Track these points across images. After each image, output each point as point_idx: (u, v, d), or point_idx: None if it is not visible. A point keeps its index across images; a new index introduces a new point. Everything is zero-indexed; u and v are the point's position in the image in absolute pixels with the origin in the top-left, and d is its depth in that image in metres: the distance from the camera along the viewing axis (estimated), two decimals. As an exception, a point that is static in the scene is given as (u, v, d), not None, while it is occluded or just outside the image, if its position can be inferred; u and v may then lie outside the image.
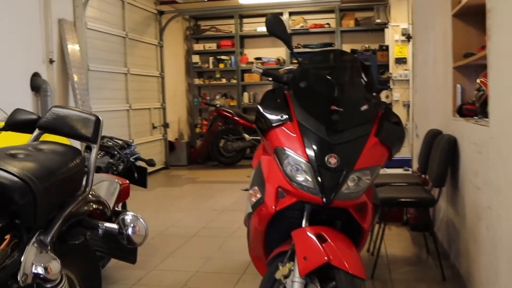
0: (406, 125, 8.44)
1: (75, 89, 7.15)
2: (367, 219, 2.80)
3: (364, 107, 2.88)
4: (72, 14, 7.51)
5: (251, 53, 12.15)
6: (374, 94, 2.99)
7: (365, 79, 3.07)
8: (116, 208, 2.18)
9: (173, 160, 11.03)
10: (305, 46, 11.73)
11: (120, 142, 4.29)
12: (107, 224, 1.78)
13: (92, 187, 1.88)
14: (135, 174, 4.35)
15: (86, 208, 1.82)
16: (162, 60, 10.68)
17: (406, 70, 9.59)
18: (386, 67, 10.14)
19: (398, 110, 9.46)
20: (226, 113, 10.61)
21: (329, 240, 2.57)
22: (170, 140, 10.97)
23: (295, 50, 11.24)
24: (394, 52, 9.70)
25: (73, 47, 7.31)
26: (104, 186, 2.08)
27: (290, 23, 11.71)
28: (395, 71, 9.58)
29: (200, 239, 5.41)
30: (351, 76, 3.19)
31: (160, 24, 10.64)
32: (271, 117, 2.87)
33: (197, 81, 12.27)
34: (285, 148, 2.74)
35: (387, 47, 10.29)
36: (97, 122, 1.87)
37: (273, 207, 2.76)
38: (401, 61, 9.67)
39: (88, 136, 1.86)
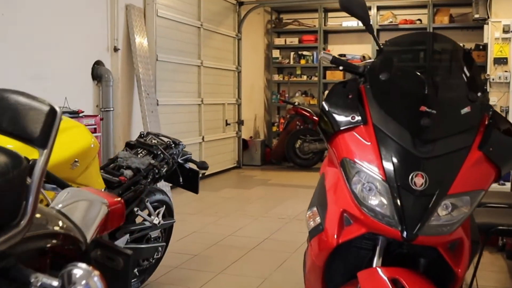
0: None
1: (140, 79, 6.69)
2: (462, 261, 2.06)
3: (466, 110, 2.15)
4: (141, 0, 7.07)
5: (335, 49, 11.39)
6: (479, 94, 2.24)
7: (468, 73, 2.34)
8: (101, 238, 1.59)
9: (246, 159, 10.47)
10: (393, 43, 10.83)
11: (166, 140, 3.71)
12: (45, 279, 1.17)
13: (62, 210, 1.29)
14: (180, 178, 3.75)
15: (35, 244, 1.22)
16: (239, 53, 10.13)
17: (506, 71, 8.59)
18: (482, 68, 9.15)
19: (496, 116, 8.46)
20: (305, 112, 9.94)
21: (407, 286, 1.88)
22: (244, 138, 10.42)
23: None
24: (494, 52, 8.70)
25: (140, 35, 6.86)
26: (81, 208, 1.51)
27: (378, 18, 10.88)
28: (493, 72, 8.58)
29: (260, 253, 4.77)
30: (450, 68, 2.46)
31: (239, 15, 10.09)
32: (340, 117, 2.19)
33: (276, 77, 11.66)
34: (355, 160, 2.05)
35: (484, 46, 9.30)
36: (51, 115, 1.23)
37: (335, 237, 2.09)
38: (500, 61, 8.67)
39: (32, 136, 1.23)
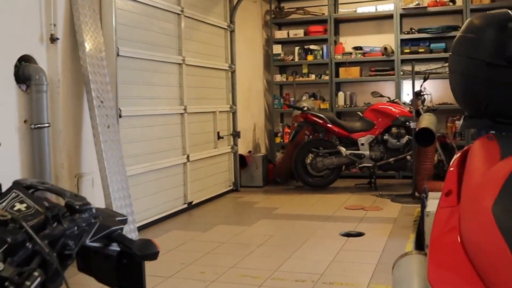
0: None
1: (90, 82, 4.69)
2: None
3: None
4: (91, -29, 5.09)
5: (348, 42, 9.41)
6: None
7: None
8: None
9: (245, 179, 8.46)
10: (420, 31, 8.89)
11: (45, 205, 1.66)
12: None
13: None
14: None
15: None
16: (232, 49, 8.13)
17: None
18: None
19: None
20: (317, 119, 7.93)
21: None
22: (241, 154, 8.40)
23: (405, 37, 8.46)
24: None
25: (91, 21, 4.87)
26: None
27: (402, 2, 8.88)
28: None
29: None
30: None
31: (230, 1, 8.10)
32: None
33: (278, 78, 9.66)
34: None
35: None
36: None
37: None
38: None
39: None
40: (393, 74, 8.99)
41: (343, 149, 7.86)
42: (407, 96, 8.71)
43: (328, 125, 7.91)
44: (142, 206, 5.73)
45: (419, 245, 5.29)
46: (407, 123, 7.65)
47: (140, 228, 5.49)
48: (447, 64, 9.09)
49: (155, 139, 6.05)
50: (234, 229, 5.74)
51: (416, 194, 7.16)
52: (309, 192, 7.89)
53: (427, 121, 6.88)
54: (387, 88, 9.09)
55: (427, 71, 8.26)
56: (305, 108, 8.03)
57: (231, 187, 8.09)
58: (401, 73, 8.96)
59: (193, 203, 6.84)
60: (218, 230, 5.75)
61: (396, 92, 8.96)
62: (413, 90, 7.31)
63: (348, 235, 5.41)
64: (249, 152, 8.80)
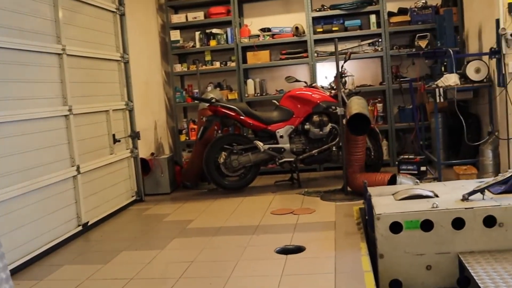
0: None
1: None
2: None
3: None
4: None
5: (255, 23, 8.44)
6: None
7: None
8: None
9: (149, 186, 7.29)
10: (332, 7, 8.09)
11: None
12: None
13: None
14: None
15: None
16: (124, 36, 6.90)
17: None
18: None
19: None
20: (228, 111, 6.89)
21: None
22: (143, 158, 7.20)
23: (316, 15, 7.56)
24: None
25: None
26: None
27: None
28: (509, 25, 5.81)
29: None
30: None
31: (117, -21, 6.87)
32: None
33: (178, 68, 8.53)
34: None
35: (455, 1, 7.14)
36: None
37: None
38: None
39: None
40: (307, 56, 8.14)
41: (260, 144, 6.88)
42: (325, 79, 7.86)
43: (242, 117, 6.89)
44: (20, 239, 4.45)
45: (371, 255, 4.40)
46: (331, 109, 6.80)
47: (18, 269, 4.24)
48: (364, 43, 8.41)
49: (34, 150, 4.76)
50: (143, 256, 4.58)
51: (349, 188, 6.31)
52: (225, 195, 6.85)
53: (358, 105, 6.00)
54: (300, 72, 8.26)
55: (346, 50, 7.45)
56: (214, 100, 6.96)
57: (134, 198, 6.88)
58: (315, 54, 8.12)
59: (89, 223, 5.62)
60: (123, 259, 4.57)
61: (311, 76, 8.12)
62: (337, 72, 6.42)
63: (285, 251, 4.41)
64: (152, 154, 7.61)
